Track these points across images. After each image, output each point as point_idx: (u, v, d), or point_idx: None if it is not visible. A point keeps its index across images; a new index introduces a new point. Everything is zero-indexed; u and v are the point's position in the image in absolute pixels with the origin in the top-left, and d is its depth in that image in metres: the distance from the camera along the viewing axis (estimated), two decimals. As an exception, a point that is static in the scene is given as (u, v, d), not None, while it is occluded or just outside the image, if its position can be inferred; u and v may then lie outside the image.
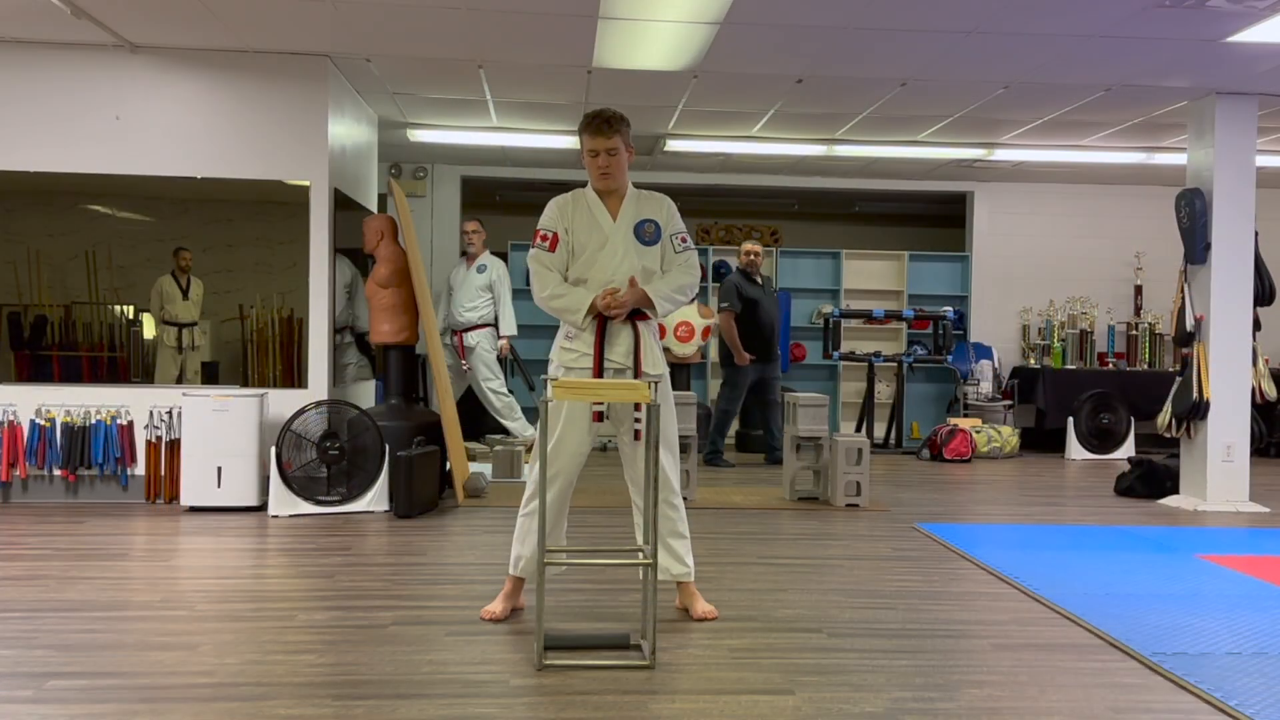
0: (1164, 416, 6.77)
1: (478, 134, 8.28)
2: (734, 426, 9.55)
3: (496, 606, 3.81)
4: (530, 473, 3.69)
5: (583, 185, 3.89)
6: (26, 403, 5.98)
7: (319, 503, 5.78)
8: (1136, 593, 4.33)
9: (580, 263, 3.78)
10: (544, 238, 3.77)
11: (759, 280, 8.10)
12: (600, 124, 3.72)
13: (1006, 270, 10.28)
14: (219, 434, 5.78)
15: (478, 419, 8.67)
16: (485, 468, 7.15)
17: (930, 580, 4.52)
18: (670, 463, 3.77)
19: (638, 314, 3.76)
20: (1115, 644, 3.60)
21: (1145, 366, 9.78)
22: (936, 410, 10.30)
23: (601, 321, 3.72)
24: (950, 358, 9.76)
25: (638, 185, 3.89)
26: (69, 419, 5.97)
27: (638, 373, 3.73)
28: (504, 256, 10.29)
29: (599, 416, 3.72)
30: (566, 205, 3.82)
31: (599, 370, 3.70)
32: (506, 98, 7.17)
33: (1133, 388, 9.24)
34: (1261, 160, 6.99)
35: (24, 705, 2.88)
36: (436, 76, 6.67)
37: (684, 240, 3.88)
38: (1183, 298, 6.68)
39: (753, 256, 8.03)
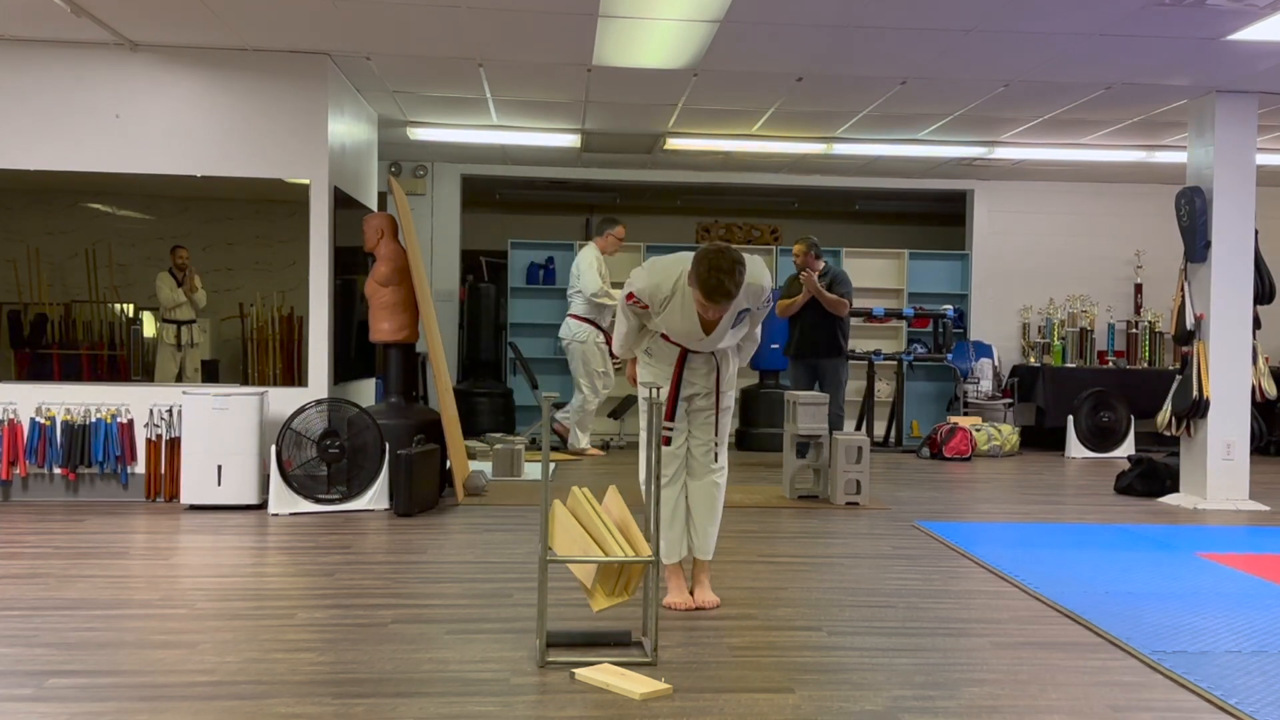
0: (1164, 415, 6.76)
1: (477, 132, 8.27)
2: (734, 424, 9.56)
3: (676, 598, 3.94)
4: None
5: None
6: (27, 401, 5.97)
7: (319, 501, 5.78)
8: (1136, 591, 4.33)
9: (669, 331, 3.86)
10: (634, 300, 3.83)
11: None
12: (720, 296, 3.55)
13: (1006, 268, 10.28)
14: (219, 432, 5.78)
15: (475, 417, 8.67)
16: (485, 466, 7.15)
17: (930, 578, 4.52)
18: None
19: None
20: (1115, 642, 3.60)
21: (1145, 365, 9.77)
22: (936, 408, 10.29)
23: (683, 354, 3.91)
24: (950, 356, 9.76)
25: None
26: (69, 417, 5.97)
27: (717, 396, 3.95)
28: (504, 255, 10.30)
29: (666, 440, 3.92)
30: (666, 293, 3.74)
31: (674, 400, 3.91)
32: (506, 96, 7.16)
33: (1132, 386, 9.23)
34: (1261, 158, 6.96)
35: (24, 704, 2.88)
36: (436, 75, 6.66)
37: (767, 302, 3.89)
38: (1183, 296, 6.67)
39: (799, 258, 7.83)
